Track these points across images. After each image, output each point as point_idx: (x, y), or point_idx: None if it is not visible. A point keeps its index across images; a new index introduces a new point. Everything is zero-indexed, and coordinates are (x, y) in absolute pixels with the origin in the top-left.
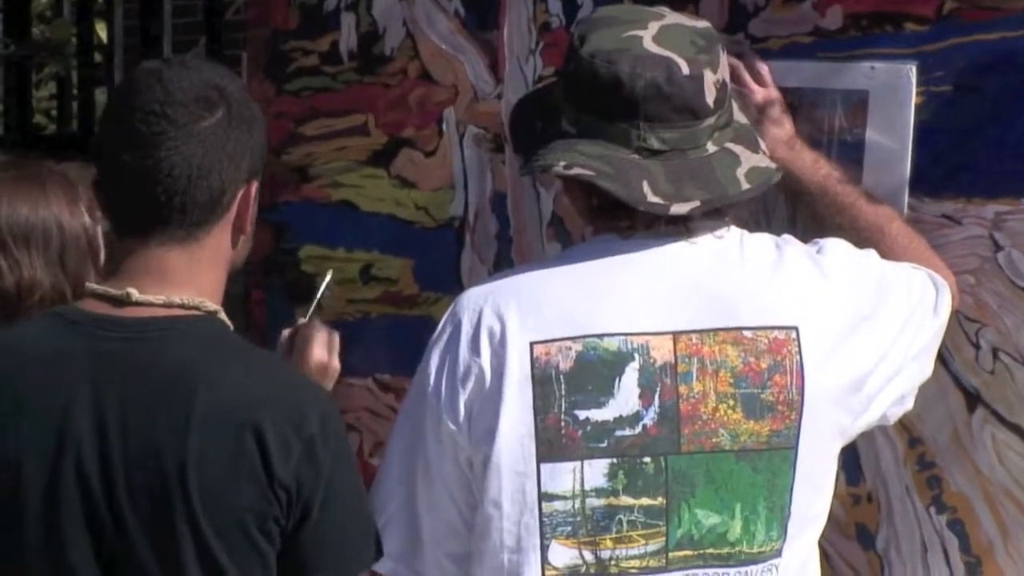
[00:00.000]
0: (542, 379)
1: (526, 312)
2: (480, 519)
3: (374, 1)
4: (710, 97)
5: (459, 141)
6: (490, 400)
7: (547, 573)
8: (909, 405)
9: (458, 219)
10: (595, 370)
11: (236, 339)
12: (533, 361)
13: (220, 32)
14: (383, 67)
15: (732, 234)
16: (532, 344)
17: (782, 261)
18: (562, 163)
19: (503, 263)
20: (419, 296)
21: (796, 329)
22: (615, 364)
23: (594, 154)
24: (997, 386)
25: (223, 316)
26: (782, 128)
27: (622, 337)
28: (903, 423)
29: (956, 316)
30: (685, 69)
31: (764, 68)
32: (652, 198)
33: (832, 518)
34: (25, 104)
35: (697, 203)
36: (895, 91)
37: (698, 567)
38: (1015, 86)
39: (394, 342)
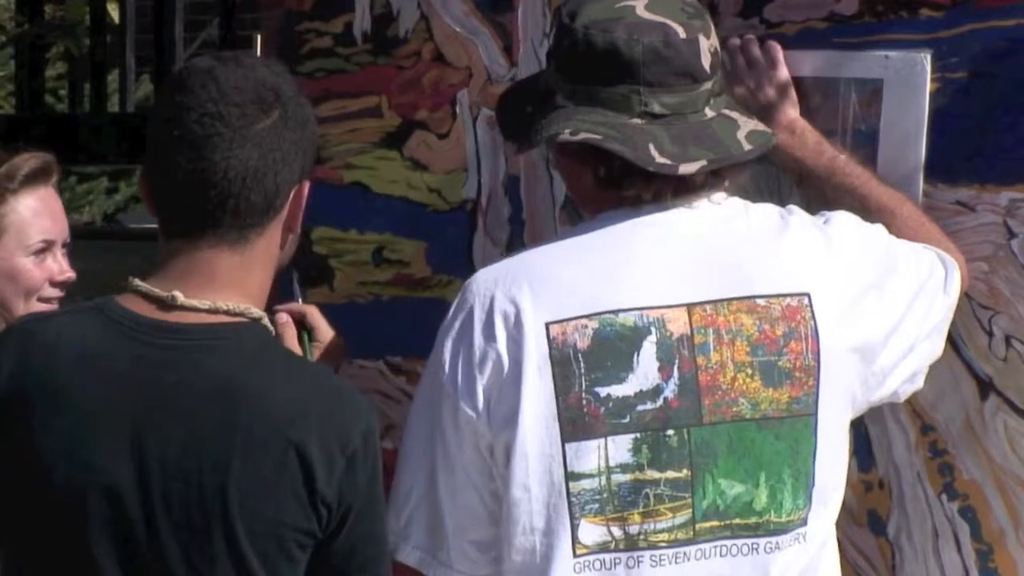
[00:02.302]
0: (560, 359)
1: (539, 293)
2: (508, 504)
3: None
4: (706, 62)
5: (472, 124)
6: (509, 385)
7: (578, 552)
8: (920, 383)
9: (471, 202)
10: (613, 346)
11: (279, 348)
12: (550, 342)
13: (233, 12)
14: (397, 49)
15: (735, 203)
16: (548, 325)
17: (788, 229)
18: (567, 130)
19: (515, 246)
20: (431, 278)
21: (808, 295)
22: (632, 339)
23: (597, 121)
24: (1010, 374)
25: (266, 322)
26: (783, 113)
27: (637, 312)
28: (915, 410)
29: (969, 303)
30: (682, 33)
31: (777, 49)
32: (660, 159)
33: (844, 505)
34: (37, 83)
35: (703, 162)
36: (910, 80)
37: (726, 538)
38: None
39: (406, 324)
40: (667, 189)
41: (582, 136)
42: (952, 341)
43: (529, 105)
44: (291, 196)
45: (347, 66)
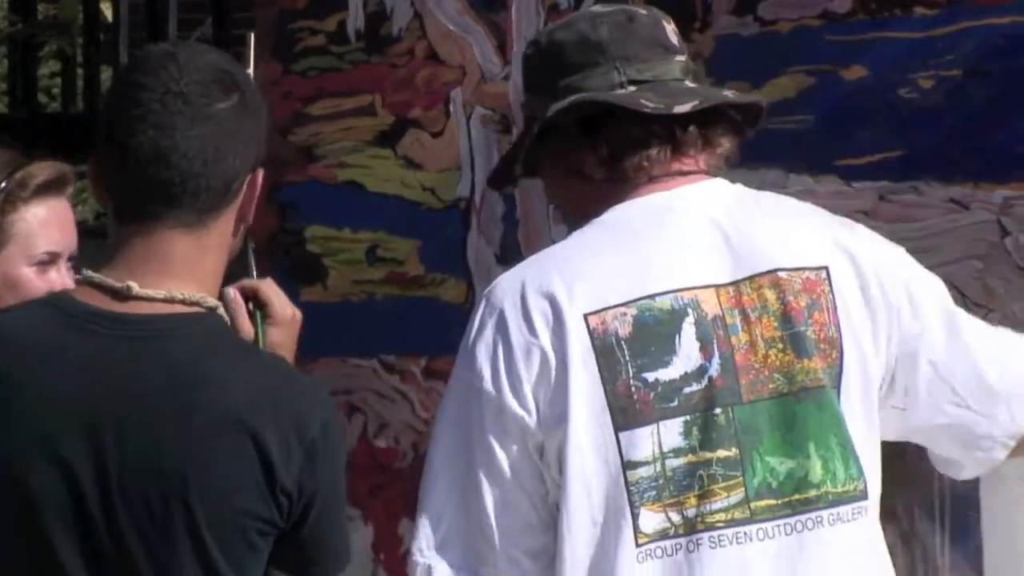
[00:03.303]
0: (604, 349)
1: (571, 287)
2: (567, 500)
3: None
4: (675, 39)
5: (466, 122)
6: (558, 380)
7: (640, 541)
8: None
9: (464, 200)
10: (654, 331)
11: (235, 339)
12: (591, 333)
13: (227, 11)
14: (390, 47)
15: (741, 188)
16: (586, 316)
17: (805, 209)
18: (566, 102)
19: (509, 245)
20: (425, 277)
21: (827, 269)
22: (671, 322)
23: (588, 97)
24: None
25: (222, 311)
26: None
27: (672, 295)
28: None
29: (964, 301)
30: (643, 11)
31: None
32: (652, 103)
33: None
34: (30, 83)
35: (696, 101)
36: None
37: (786, 516)
38: None
39: (400, 323)
40: (671, 169)
41: (569, 100)
42: None
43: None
44: (246, 183)
45: (340, 64)
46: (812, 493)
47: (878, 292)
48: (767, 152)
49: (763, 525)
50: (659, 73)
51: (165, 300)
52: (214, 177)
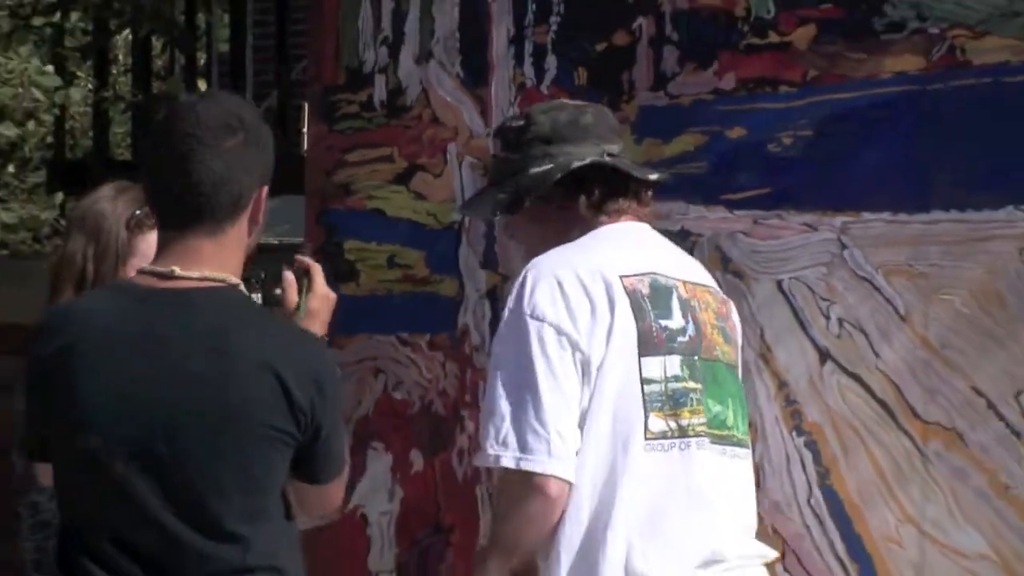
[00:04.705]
0: (634, 300)
1: (606, 259)
2: (598, 404)
3: (399, 65)
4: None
5: (458, 167)
6: (603, 317)
7: (647, 436)
8: None
9: (457, 223)
10: (661, 295)
11: (254, 305)
12: (625, 288)
13: (288, 88)
14: (404, 113)
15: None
16: (621, 277)
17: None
18: (596, 155)
19: (489, 253)
20: (429, 277)
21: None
22: (668, 293)
23: (608, 162)
24: (842, 346)
25: (242, 287)
26: None
27: (663, 276)
28: (774, 371)
29: (813, 295)
30: (603, 107)
31: None
32: (638, 172)
33: None
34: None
35: (656, 175)
36: None
37: (719, 442)
38: (856, 131)
39: (410, 310)
40: (633, 208)
41: (590, 159)
42: (801, 322)
43: (500, 191)
44: (253, 197)
45: (368, 125)
46: (727, 433)
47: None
48: (674, 189)
49: (712, 444)
50: (618, 150)
51: (199, 279)
52: (225, 196)
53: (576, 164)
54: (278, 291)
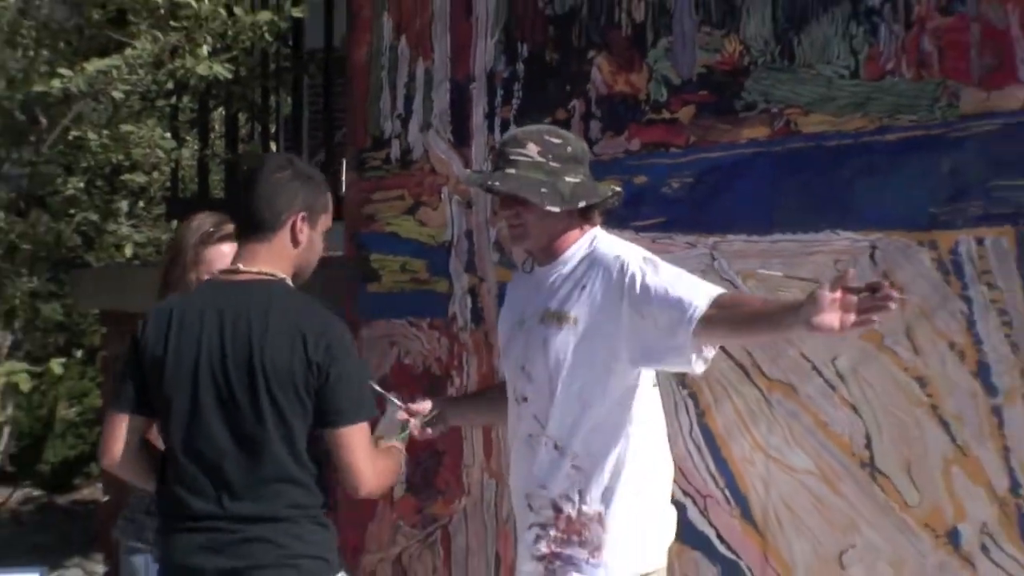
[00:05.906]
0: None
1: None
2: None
3: (408, 133)
4: None
5: (450, 203)
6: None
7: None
8: None
9: (448, 242)
10: None
11: (294, 292)
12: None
13: (332, 148)
14: (412, 165)
15: None
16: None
17: None
18: (610, 191)
19: (470, 262)
20: (429, 279)
21: None
22: None
23: (617, 191)
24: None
25: (288, 281)
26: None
27: None
28: None
29: None
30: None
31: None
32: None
33: None
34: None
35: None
36: None
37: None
38: (722, 179)
39: (416, 302)
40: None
41: (614, 189)
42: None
43: (544, 187)
44: (292, 218)
45: (386, 175)
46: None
47: None
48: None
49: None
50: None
51: (257, 272)
52: (268, 212)
53: (616, 189)
54: (396, 418)
